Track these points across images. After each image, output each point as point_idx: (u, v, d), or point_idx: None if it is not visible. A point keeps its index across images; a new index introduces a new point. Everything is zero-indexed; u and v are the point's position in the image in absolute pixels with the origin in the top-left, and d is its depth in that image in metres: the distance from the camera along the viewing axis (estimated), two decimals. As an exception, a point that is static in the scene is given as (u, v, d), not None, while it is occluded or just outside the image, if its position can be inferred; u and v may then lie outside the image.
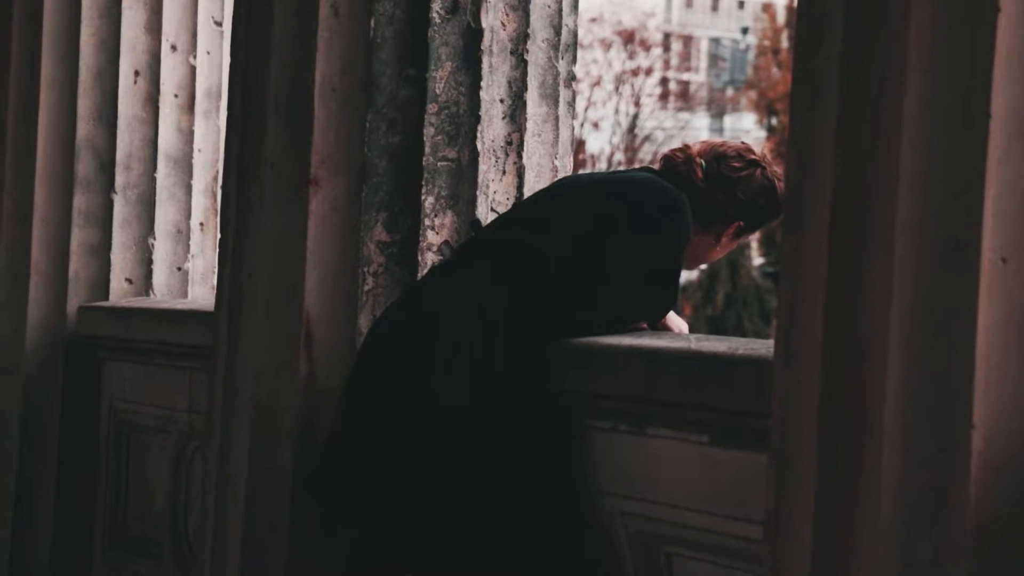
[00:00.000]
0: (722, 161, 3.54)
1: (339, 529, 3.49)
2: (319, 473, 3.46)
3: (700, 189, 3.50)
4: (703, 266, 31.25)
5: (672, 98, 43.09)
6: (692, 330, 3.60)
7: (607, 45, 37.00)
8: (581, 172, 3.98)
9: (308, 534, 3.73)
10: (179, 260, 5.33)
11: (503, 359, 3.23)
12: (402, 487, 3.25)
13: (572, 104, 4.01)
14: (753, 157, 3.56)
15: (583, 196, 3.45)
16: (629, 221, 3.35)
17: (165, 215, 5.30)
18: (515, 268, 3.32)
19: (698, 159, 3.53)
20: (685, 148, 3.59)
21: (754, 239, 34.38)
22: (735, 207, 3.54)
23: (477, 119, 3.84)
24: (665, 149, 3.74)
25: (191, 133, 5.34)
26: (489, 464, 3.17)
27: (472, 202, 3.84)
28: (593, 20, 36.29)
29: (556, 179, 3.86)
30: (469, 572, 3.25)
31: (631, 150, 35.65)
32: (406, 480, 3.24)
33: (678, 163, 3.54)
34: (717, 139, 3.71)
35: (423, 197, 3.80)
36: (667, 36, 48.51)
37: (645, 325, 3.42)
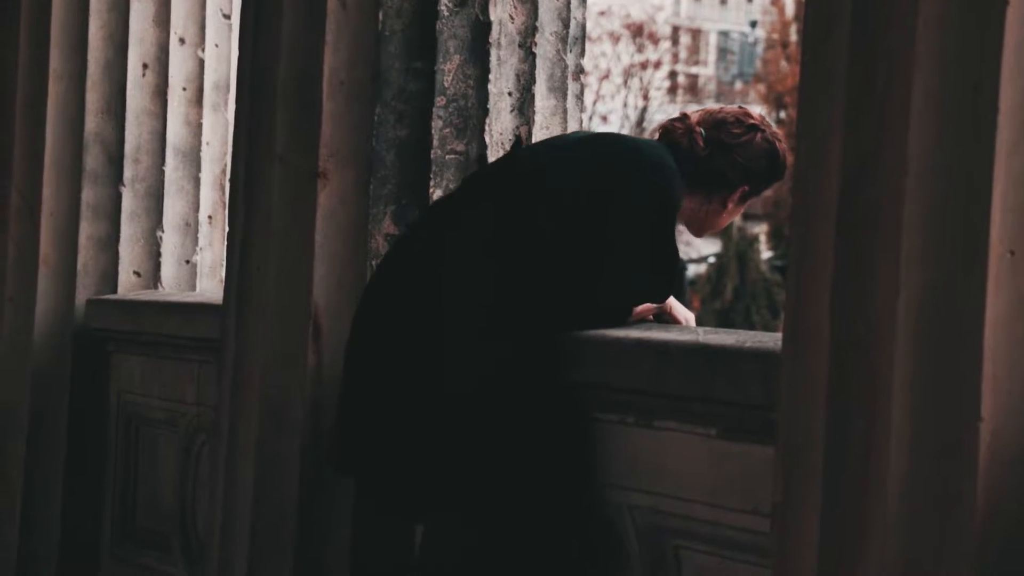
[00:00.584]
0: (721, 128, 3.54)
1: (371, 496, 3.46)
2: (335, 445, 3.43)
3: (701, 158, 3.51)
4: (712, 258, 31.22)
5: (681, 91, 43.04)
6: (700, 323, 3.59)
7: (616, 38, 36.97)
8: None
9: (318, 526, 3.74)
10: (187, 253, 5.34)
11: (509, 342, 3.22)
12: (409, 477, 3.24)
13: (580, 97, 4.01)
14: (752, 122, 3.56)
15: (579, 160, 3.39)
16: (622, 198, 3.32)
17: (173, 208, 5.30)
18: (511, 241, 3.28)
19: (698, 128, 3.53)
20: (684, 117, 3.59)
21: (763, 232, 34.36)
22: (737, 173, 3.55)
23: (485, 112, 3.84)
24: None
25: (199, 126, 5.34)
26: (500, 453, 3.16)
27: (480, 195, 3.83)
28: (602, 13, 36.27)
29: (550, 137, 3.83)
30: (477, 566, 3.25)
31: (639, 143, 35.55)
32: (413, 469, 3.23)
33: (678, 133, 3.54)
34: (715, 106, 3.70)
35: (431, 190, 3.80)
36: (676, 29, 48.44)
37: (651, 317, 3.41)
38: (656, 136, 3.62)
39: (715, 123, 3.55)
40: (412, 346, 3.23)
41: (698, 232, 3.66)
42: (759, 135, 3.55)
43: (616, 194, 3.31)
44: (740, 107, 3.66)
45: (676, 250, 3.40)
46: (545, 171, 3.35)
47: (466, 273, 3.25)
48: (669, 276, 3.39)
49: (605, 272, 3.30)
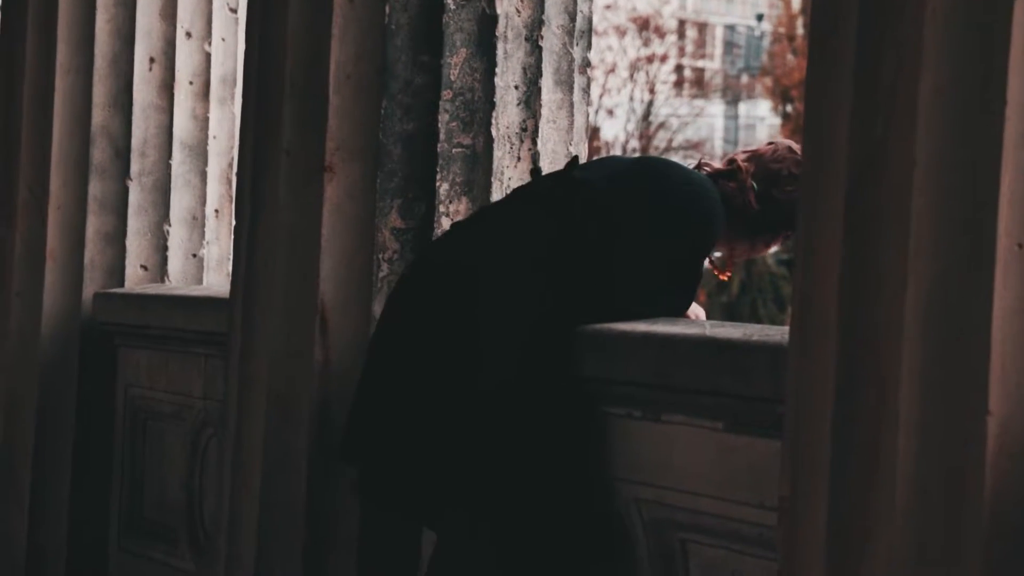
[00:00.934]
0: (775, 183, 3.51)
1: (370, 492, 3.46)
2: (348, 436, 3.43)
3: (753, 214, 3.51)
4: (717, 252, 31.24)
5: (687, 85, 43.02)
6: (707, 316, 3.60)
7: (622, 32, 36.91)
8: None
9: (326, 519, 3.74)
10: (194, 247, 5.34)
11: (542, 344, 3.23)
12: (420, 473, 3.25)
13: (587, 91, 4.01)
14: None
15: (629, 183, 3.42)
16: (662, 223, 3.35)
17: (180, 202, 5.30)
18: (558, 254, 3.30)
19: (750, 183, 3.51)
20: (735, 171, 3.55)
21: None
22: (787, 222, 3.55)
23: (492, 106, 3.84)
24: (705, 161, 3.62)
25: (206, 120, 5.34)
26: (510, 448, 3.16)
27: (487, 189, 3.84)
28: (608, 7, 36.21)
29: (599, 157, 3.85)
30: (485, 557, 3.26)
31: (645, 137, 35.58)
32: (424, 466, 3.24)
33: (730, 189, 3.51)
34: (766, 149, 3.62)
35: (438, 184, 3.80)
36: (682, 23, 48.40)
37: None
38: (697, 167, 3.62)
39: (768, 176, 3.52)
40: (441, 347, 3.23)
41: (741, 259, 3.73)
42: None
43: (656, 218, 3.34)
44: (789, 149, 3.59)
45: (700, 277, 3.44)
46: (597, 190, 3.37)
47: (510, 283, 3.26)
48: (687, 301, 3.42)
49: (631, 288, 3.31)
